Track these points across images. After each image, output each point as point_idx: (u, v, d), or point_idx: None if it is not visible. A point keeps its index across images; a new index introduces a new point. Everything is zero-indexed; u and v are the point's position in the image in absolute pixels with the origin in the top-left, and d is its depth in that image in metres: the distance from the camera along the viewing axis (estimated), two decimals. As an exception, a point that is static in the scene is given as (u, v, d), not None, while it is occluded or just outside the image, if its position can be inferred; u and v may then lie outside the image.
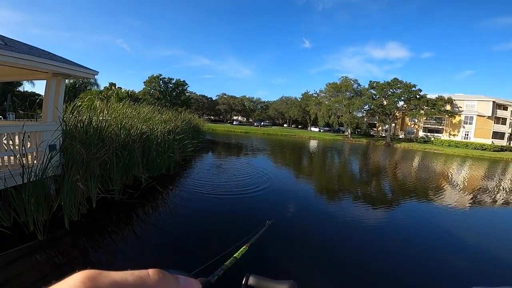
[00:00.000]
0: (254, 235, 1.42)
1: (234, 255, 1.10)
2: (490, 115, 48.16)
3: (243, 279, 0.83)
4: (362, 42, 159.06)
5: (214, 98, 78.11)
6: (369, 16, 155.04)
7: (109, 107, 9.95)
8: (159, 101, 53.27)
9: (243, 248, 1.21)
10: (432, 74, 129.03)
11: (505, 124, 49.20)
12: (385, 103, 49.02)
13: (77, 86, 42.71)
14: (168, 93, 60.05)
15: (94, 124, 6.87)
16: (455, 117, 49.25)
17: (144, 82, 59.21)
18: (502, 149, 43.61)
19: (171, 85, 61.06)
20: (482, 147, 43.08)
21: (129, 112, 10.04)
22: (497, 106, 49.20)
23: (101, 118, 7.54)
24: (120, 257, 4.18)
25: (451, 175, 17.11)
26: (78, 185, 5.20)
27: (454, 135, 50.42)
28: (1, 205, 4.54)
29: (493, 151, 41.71)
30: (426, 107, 46.56)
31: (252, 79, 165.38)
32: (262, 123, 70.25)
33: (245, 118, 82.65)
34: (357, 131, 57.17)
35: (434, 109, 45.77)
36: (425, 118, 50.68)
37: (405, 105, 50.08)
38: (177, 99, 60.44)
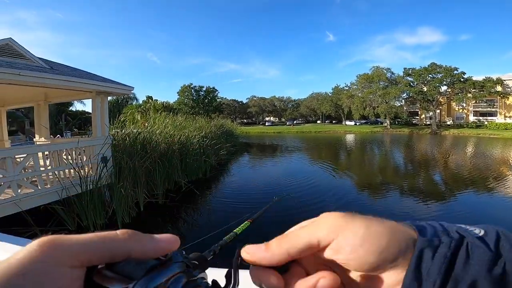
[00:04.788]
0: (258, 211, 1.33)
1: (235, 230, 0.98)
2: (547, 92, 41.87)
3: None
4: (390, 29, 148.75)
5: (244, 101, 79.43)
6: (391, 1, 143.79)
7: (149, 119, 10.81)
8: (193, 109, 55.64)
9: (244, 224, 1.09)
10: (475, 56, 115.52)
11: None
12: (425, 89, 45.19)
13: (119, 101, 46.55)
14: (201, 101, 61.93)
15: (138, 136, 7.57)
16: (508, 98, 43.71)
17: (178, 92, 62.07)
18: None
19: (202, 93, 62.98)
20: (545, 128, 37.60)
21: (166, 123, 10.79)
22: (553, 82, 42.52)
23: (143, 130, 8.25)
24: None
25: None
26: (127, 191, 5.79)
27: (510, 117, 44.82)
28: (67, 211, 5.25)
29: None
30: (473, 90, 42.05)
31: (279, 79, 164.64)
32: (294, 122, 69.53)
33: (277, 118, 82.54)
34: (397, 121, 53.76)
35: (483, 91, 41.12)
36: (474, 102, 45.87)
37: (449, 90, 45.79)
38: (210, 105, 62.19)
